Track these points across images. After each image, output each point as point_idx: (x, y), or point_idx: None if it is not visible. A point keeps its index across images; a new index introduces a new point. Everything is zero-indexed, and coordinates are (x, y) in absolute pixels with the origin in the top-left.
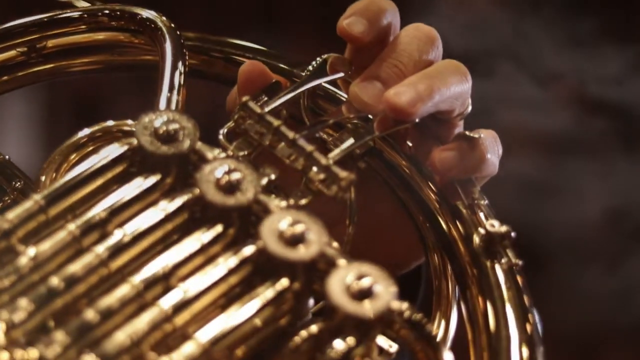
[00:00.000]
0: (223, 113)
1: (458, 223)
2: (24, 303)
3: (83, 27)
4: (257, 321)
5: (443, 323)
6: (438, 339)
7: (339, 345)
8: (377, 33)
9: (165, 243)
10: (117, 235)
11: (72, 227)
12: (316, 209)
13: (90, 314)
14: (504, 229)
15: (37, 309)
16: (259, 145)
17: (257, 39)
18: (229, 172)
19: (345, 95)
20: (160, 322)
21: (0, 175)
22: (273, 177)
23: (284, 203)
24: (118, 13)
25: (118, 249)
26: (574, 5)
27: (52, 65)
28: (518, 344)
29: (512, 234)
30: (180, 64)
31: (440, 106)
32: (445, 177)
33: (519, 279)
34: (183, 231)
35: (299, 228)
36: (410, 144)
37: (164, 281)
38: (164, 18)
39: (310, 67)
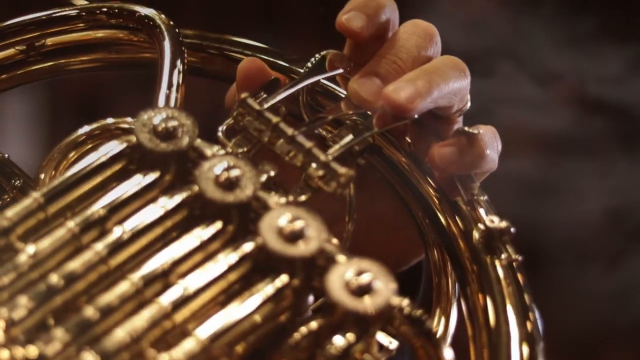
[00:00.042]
0: (222, 110)
1: (457, 219)
2: (23, 301)
3: (82, 25)
4: (257, 318)
5: (443, 320)
6: (438, 335)
7: (338, 341)
8: (376, 28)
9: (165, 240)
10: (117, 233)
11: (71, 224)
12: (315, 205)
13: (89, 312)
14: (503, 224)
15: (36, 306)
16: (258, 142)
17: (257, 38)
18: (228, 169)
19: (344, 92)
20: (159, 319)
21: None
22: (272, 173)
23: (283, 199)
24: (116, 11)
25: (117, 246)
26: (573, 5)
27: (51, 63)
28: (518, 340)
29: (512, 230)
30: (179, 61)
31: (439, 102)
32: (444, 173)
33: (519, 276)
34: (182, 228)
35: (298, 224)
36: (409, 140)
37: (164, 278)
38: (162, 16)
39: (309, 64)
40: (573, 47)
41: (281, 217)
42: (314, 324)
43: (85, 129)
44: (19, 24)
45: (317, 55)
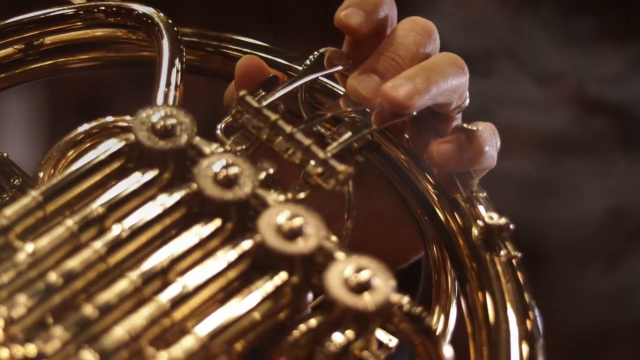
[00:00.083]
0: (221, 108)
1: (457, 215)
2: (22, 299)
3: (80, 23)
4: (256, 315)
5: (442, 317)
6: (437, 332)
7: (338, 338)
8: (375, 25)
9: (164, 238)
10: (115, 231)
11: (70, 222)
12: (314, 203)
13: (88, 310)
14: (502, 221)
15: (35, 304)
16: (257, 139)
17: (257, 38)
18: (226, 166)
19: (343, 89)
20: (158, 317)
21: None
22: (271, 171)
23: (282, 197)
24: (114, 9)
25: (116, 245)
26: (573, 5)
27: (49, 62)
28: (518, 337)
29: (511, 226)
30: (177, 60)
31: (438, 99)
32: (443, 170)
33: (519, 273)
34: (181, 226)
35: (297, 222)
36: (408, 137)
37: (162, 276)
38: (161, 14)
39: (307, 62)
40: (573, 47)
41: (280, 214)
42: (313, 322)
43: (84, 127)
44: (17, 22)
45: (315, 52)
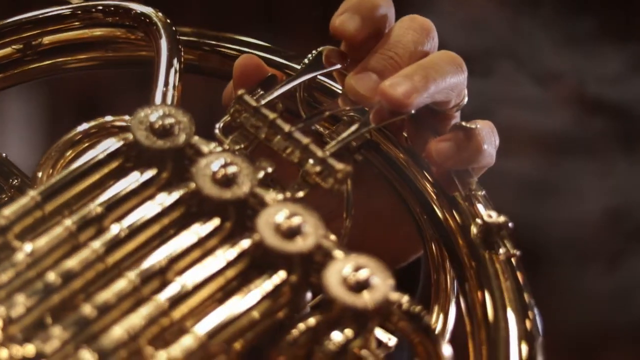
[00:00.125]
0: (219, 107)
1: (455, 214)
2: (21, 299)
3: (78, 23)
4: (255, 314)
5: (441, 316)
6: (437, 331)
7: (337, 337)
8: (372, 27)
9: (162, 237)
10: (114, 230)
11: (68, 222)
12: (313, 201)
13: (87, 309)
14: (501, 219)
15: (34, 304)
16: (255, 138)
17: (257, 38)
18: (225, 165)
19: (341, 88)
20: (157, 316)
21: None
22: (269, 170)
23: (280, 196)
24: (112, 9)
25: (114, 244)
26: (573, 5)
27: (48, 62)
28: (517, 336)
29: (510, 224)
30: (175, 59)
31: (436, 97)
32: (442, 168)
33: (518, 271)
34: (179, 225)
35: (295, 220)
36: (406, 136)
37: (161, 275)
38: (159, 13)
39: (305, 60)
40: (573, 47)
41: (278, 213)
42: (312, 320)
43: (82, 127)
44: (15, 22)
45: (314, 51)
